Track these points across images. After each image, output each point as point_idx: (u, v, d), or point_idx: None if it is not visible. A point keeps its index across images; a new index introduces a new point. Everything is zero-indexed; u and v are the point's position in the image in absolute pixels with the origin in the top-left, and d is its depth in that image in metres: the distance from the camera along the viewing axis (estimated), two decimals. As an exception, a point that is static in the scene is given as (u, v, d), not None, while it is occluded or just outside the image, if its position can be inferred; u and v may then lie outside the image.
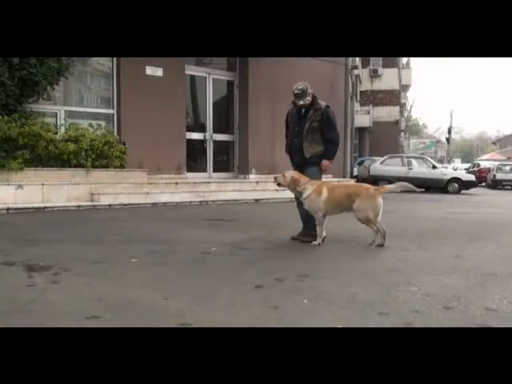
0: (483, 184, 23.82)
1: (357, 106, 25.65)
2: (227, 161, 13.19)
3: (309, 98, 5.32)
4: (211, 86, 12.54)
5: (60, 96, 10.19)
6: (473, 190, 17.61)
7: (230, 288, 3.36)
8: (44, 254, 4.45)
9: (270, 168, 11.65)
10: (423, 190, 17.15)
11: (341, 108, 14.15)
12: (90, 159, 9.17)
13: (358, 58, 22.27)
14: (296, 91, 5.31)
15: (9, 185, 8.14)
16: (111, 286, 3.43)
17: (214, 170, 12.63)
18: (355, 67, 19.36)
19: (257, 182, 11.82)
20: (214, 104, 12.69)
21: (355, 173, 18.20)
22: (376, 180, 15.42)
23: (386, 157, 18.07)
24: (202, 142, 12.45)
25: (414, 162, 17.93)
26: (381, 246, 5.01)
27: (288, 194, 6.31)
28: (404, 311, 2.87)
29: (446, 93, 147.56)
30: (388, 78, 31.53)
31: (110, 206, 8.63)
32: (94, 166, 9.27)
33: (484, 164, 28.12)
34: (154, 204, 9.22)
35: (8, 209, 7.58)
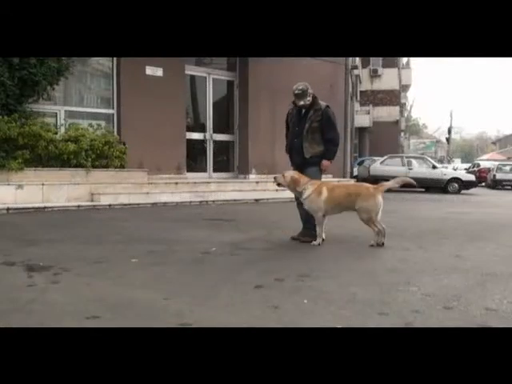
0: (483, 184, 23.83)
1: (357, 106, 25.66)
2: (227, 161, 13.19)
3: (309, 99, 5.32)
4: (211, 86, 12.54)
5: (60, 96, 10.19)
6: (473, 190, 17.62)
7: (229, 288, 3.36)
8: (44, 254, 4.46)
9: (270, 168, 11.65)
10: (423, 189, 17.23)
11: (341, 108, 14.15)
12: (89, 159, 9.17)
13: (357, 58, 22.26)
14: (296, 91, 5.31)
15: (9, 185, 8.14)
16: (111, 285, 3.43)
17: (214, 170, 12.63)
18: (355, 67, 19.36)
19: (257, 182, 11.81)
20: (214, 104, 12.69)
21: (355, 173, 18.20)
22: (376, 180, 15.37)
23: (386, 157, 18.08)
24: (202, 141, 12.45)
25: (414, 162, 17.94)
26: (381, 245, 5.01)
27: (288, 194, 6.31)
28: (404, 311, 2.87)
29: (446, 93, 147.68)
30: (388, 78, 31.53)
31: (109, 206, 8.63)
32: (93, 166, 9.27)
33: (484, 164, 28.12)
34: (153, 204, 9.22)
35: (8, 209, 7.58)
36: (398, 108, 33.18)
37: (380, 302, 3.06)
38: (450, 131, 47.09)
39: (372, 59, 30.39)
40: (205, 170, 12.48)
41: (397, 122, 32.87)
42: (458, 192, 16.87)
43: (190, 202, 9.77)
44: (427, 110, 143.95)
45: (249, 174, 12.66)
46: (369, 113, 28.32)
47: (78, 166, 9.04)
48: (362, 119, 26.74)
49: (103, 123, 10.51)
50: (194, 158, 12.44)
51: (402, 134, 41.36)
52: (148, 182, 9.97)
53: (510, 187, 22.69)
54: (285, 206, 8.27)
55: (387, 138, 30.24)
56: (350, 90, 17.19)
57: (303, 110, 5.41)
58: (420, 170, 17.24)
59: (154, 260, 4.28)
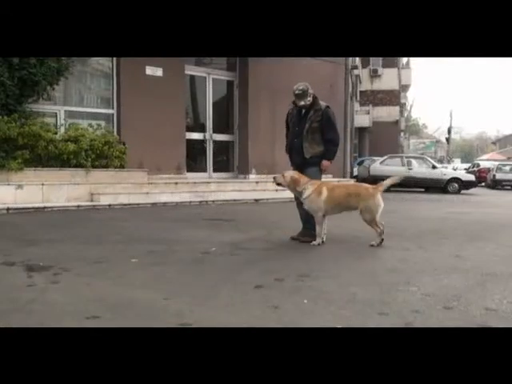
0: (483, 184, 23.83)
1: (357, 106, 25.66)
2: (227, 161, 13.19)
3: (309, 99, 5.32)
4: (211, 86, 12.53)
5: (60, 96, 10.19)
6: (472, 190, 17.62)
7: (230, 288, 3.36)
8: (44, 254, 4.45)
9: (270, 168, 11.65)
10: (423, 189, 17.23)
11: (341, 108, 14.15)
12: (89, 159, 9.17)
13: (357, 58, 22.26)
14: (297, 92, 5.31)
15: (9, 185, 8.14)
16: (111, 285, 3.43)
17: (214, 170, 12.63)
18: (355, 67, 19.37)
19: (257, 182, 11.81)
20: (214, 104, 12.69)
21: (355, 173, 18.20)
22: (376, 180, 15.36)
23: (385, 157, 18.07)
24: (202, 141, 12.45)
25: (413, 162, 17.94)
26: (379, 243, 5.02)
27: (288, 194, 6.31)
28: (404, 311, 2.87)
29: (446, 93, 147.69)
30: (388, 78, 31.54)
31: (109, 206, 8.63)
32: (93, 166, 9.27)
33: (484, 164, 28.13)
34: (153, 204, 9.22)
35: (8, 209, 7.58)
36: (397, 108, 33.19)
37: (380, 302, 3.06)
38: (449, 131, 47.10)
39: (372, 59, 30.39)
40: (205, 170, 12.48)
41: (396, 122, 32.88)
42: (457, 192, 16.87)
43: (190, 202, 9.77)
44: (427, 109, 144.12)
45: (249, 174, 12.66)
46: (369, 113, 28.33)
47: (78, 166, 9.04)
48: (362, 119, 26.74)
49: (103, 123, 10.51)
50: (194, 158, 12.44)
51: (402, 134, 41.37)
52: (148, 182, 9.97)
53: (509, 187, 22.69)
54: (285, 206, 8.27)
55: (387, 138, 30.25)
56: (350, 89, 17.19)
57: (303, 110, 5.41)
58: (420, 169, 17.24)
59: (154, 260, 4.28)
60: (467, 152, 78.17)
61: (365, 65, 29.92)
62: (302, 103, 5.33)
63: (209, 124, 12.51)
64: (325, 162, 5.41)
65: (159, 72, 11.02)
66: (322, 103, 5.42)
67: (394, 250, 4.91)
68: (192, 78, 12.36)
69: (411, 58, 37.44)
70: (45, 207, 7.99)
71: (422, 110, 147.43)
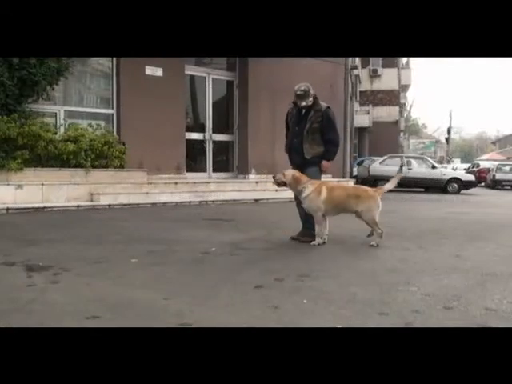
0: (483, 184, 23.84)
1: (356, 106, 25.66)
2: (227, 161, 13.19)
3: (311, 99, 5.32)
4: (211, 86, 12.53)
5: (59, 96, 10.18)
6: (472, 190, 17.62)
7: (230, 288, 3.36)
8: (44, 254, 4.45)
9: (270, 168, 11.63)
10: (423, 189, 17.23)
11: (340, 108, 14.14)
12: (89, 159, 9.17)
13: (357, 58, 22.25)
14: (298, 92, 5.31)
15: (8, 185, 8.14)
16: (111, 285, 3.43)
17: (214, 170, 12.63)
18: (355, 67, 19.38)
19: (256, 182, 11.81)
20: (214, 104, 12.69)
21: (355, 173, 18.21)
22: (376, 180, 15.42)
23: (385, 157, 18.08)
24: (202, 142, 12.45)
25: (413, 162, 17.95)
26: (375, 245, 5.04)
27: (288, 194, 6.32)
28: (404, 311, 2.87)
29: (446, 93, 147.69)
30: (388, 78, 31.54)
31: (109, 206, 8.63)
32: (93, 166, 9.27)
33: (483, 164, 28.13)
34: (153, 204, 9.22)
35: (8, 209, 7.58)
36: (397, 108, 33.20)
37: (380, 302, 3.06)
38: (449, 131, 47.10)
39: (372, 59, 30.39)
40: (204, 170, 12.48)
41: (396, 122, 32.89)
42: (457, 192, 16.87)
43: (190, 202, 9.77)
44: (427, 109, 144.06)
45: (248, 174, 12.66)
46: (368, 113, 28.33)
47: (78, 166, 9.04)
48: (362, 119, 26.75)
49: (103, 123, 10.51)
50: (194, 158, 12.44)
51: (402, 134, 41.39)
52: (147, 182, 9.97)
53: (509, 187, 22.69)
54: (284, 206, 8.27)
55: (387, 138, 30.26)
56: (350, 90, 17.19)
57: (303, 110, 5.41)
58: (419, 170, 17.26)
59: (154, 260, 4.28)
60: (467, 152, 78.18)
61: (364, 65, 29.92)
62: (304, 104, 5.33)
63: (208, 124, 12.51)
64: (325, 163, 5.42)
65: (159, 72, 11.02)
66: (323, 104, 5.42)
67: (393, 250, 4.91)
68: (192, 78, 12.36)
69: (411, 58, 37.50)
70: (44, 207, 7.99)
71: (421, 110, 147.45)
